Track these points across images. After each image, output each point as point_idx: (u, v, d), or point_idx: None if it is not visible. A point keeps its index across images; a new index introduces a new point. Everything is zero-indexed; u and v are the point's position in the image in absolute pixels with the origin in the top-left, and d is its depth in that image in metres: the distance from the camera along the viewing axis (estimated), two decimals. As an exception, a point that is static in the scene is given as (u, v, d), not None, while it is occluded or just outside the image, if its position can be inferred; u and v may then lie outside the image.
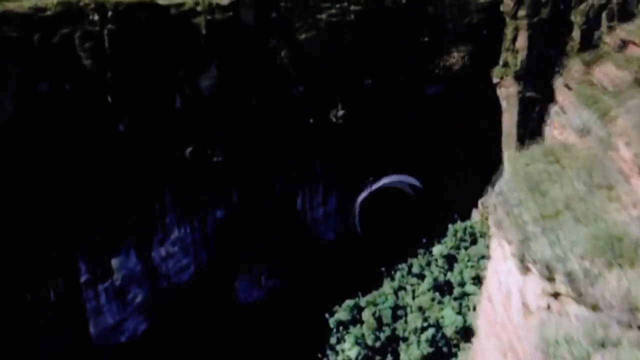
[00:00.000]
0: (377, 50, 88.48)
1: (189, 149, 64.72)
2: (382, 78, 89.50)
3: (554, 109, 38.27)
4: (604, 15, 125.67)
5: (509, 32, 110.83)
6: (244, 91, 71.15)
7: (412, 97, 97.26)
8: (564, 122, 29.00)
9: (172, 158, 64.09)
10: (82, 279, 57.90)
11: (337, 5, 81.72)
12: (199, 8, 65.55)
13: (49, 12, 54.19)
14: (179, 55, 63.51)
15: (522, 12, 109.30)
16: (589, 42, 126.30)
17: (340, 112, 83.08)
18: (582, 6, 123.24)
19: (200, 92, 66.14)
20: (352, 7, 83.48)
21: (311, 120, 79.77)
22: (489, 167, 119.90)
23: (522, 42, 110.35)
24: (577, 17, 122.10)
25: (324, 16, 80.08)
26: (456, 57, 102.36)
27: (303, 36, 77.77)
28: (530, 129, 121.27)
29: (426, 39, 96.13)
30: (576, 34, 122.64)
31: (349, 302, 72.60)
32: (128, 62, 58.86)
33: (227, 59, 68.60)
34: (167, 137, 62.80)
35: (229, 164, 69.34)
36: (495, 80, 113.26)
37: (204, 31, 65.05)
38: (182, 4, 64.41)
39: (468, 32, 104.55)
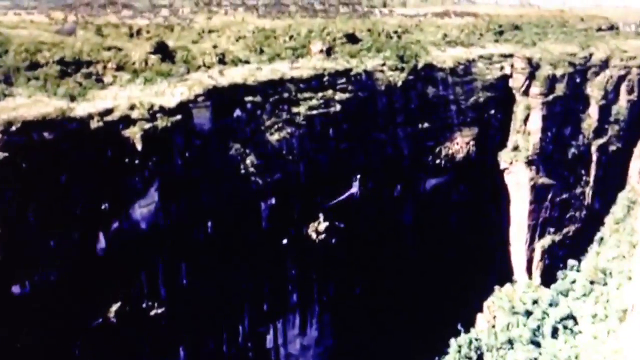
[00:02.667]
0: (366, 146, 72.77)
1: (115, 306, 47.43)
2: (372, 179, 73.50)
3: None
4: (623, 87, 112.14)
5: (519, 111, 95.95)
6: (196, 216, 54.41)
7: (408, 195, 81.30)
8: None
9: (92, 319, 46.70)
10: None
11: (320, 95, 66.04)
12: (134, 114, 49.11)
13: None
14: (103, 181, 46.70)
15: (534, 89, 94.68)
16: (606, 119, 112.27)
17: (322, 225, 66.58)
18: (600, 78, 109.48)
19: (134, 224, 49.16)
20: (338, 96, 67.80)
21: (285, 240, 63.13)
22: (495, 263, 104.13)
23: (535, 123, 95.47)
24: (594, 91, 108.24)
25: (302, 109, 64.33)
26: (460, 143, 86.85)
27: (275, 136, 61.70)
28: (543, 219, 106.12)
29: (425, 125, 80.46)
30: (593, 110, 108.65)
31: None
32: (23, 198, 41.97)
33: (173, 177, 52.06)
34: (82, 294, 45.54)
35: (173, 314, 52.09)
36: (503, 165, 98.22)
37: (139, 146, 48.37)
38: (109, 111, 47.90)
39: (473, 113, 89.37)
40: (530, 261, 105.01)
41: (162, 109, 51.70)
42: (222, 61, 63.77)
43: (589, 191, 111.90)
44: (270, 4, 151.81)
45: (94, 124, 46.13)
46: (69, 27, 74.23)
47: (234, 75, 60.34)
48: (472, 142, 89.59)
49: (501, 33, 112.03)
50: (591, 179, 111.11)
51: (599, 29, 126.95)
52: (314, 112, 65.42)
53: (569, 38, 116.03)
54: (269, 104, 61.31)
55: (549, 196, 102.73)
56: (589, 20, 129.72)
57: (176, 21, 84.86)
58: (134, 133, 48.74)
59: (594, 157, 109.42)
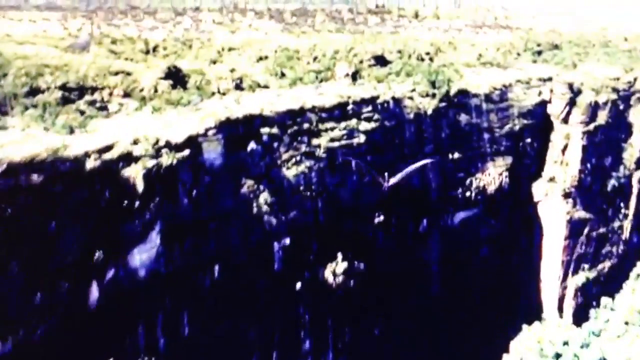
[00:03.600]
0: (392, 182, 67.22)
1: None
2: (396, 214, 68.12)
3: None
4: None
5: (557, 140, 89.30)
6: (202, 260, 49.74)
7: (434, 230, 75.63)
8: None
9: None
10: None
11: (343, 125, 60.84)
12: (137, 150, 44.59)
13: None
14: (98, 226, 42.26)
15: (575, 117, 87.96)
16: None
17: (340, 267, 61.40)
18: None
19: (132, 272, 44.63)
20: (362, 125, 62.54)
21: (299, 284, 58.15)
22: (524, 300, 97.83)
23: (574, 153, 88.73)
24: (637, 118, 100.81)
25: (322, 141, 59.21)
26: (492, 174, 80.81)
27: (292, 171, 56.71)
28: (578, 254, 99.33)
29: (456, 155, 74.66)
30: (636, 139, 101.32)
31: None
32: (6, 248, 37.72)
33: (178, 218, 47.46)
34: (71, 351, 41.17)
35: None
36: (537, 197, 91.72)
37: (140, 187, 43.83)
38: (109, 147, 43.44)
39: (508, 141, 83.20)
40: (562, 299, 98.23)
41: (168, 143, 47.15)
42: (239, 86, 58.99)
43: (627, 225, 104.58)
44: (298, 12, 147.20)
45: (91, 163, 41.69)
46: (83, 42, 70.34)
47: (250, 103, 55.50)
48: (505, 173, 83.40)
49: (539, 53, 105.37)
50: (630, 212, 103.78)
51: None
52: (336, 143, 60.28)
53: (612, 59, 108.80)
54: (287, 136, 56.38)
55: (585, 231, 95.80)
56: (633, 40, 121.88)
57: (196, 35, 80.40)
58: (135, 172, 44.25)
59: (635, 189, 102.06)
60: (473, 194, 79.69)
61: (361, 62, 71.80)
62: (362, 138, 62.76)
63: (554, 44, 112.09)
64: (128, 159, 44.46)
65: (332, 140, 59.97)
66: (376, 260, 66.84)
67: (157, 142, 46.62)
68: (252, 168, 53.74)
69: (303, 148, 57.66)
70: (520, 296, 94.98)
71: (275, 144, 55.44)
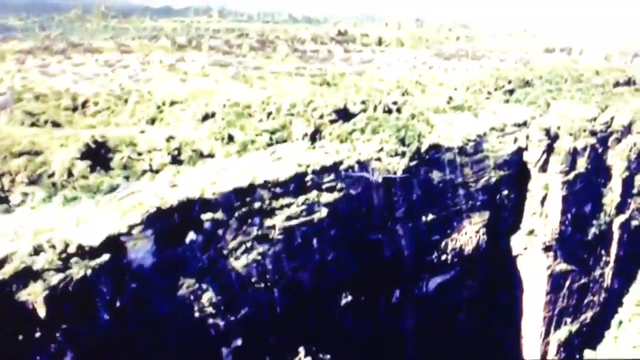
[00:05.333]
0: (358, 252, 59.24)
1: None
2: (364, 290, 59.95)
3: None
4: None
5: (536, 190, 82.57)
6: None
7: (408, 299, 67.72)
8: None
9: None
10: None
11: (301, 199, 52.39)
12: (39, 262, 35.11)
13: None
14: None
15: (554, 166, 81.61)
16: (629, 191, 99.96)
17: (303, 363, 52.60)
18: (622, 146, 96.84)
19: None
20: (324, 197, 54.20)
21: (253, 393, 48.99)
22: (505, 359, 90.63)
23: (554, 204, 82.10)
24: (616, 161, 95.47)
25: (277, 220, 50.59)
26: (469, 233, 73.57)
27: (242, 261, 47.89)
28: (560, 308, 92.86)
29: (430, 216, 67.08)
30: (615, 183, 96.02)
31: None
32: None
33: (97, 340, 38.00)
34: None
35: None
36: (516, 251, 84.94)
37: (42, 312, 34.32)
38: (1, 262, 33.88)
39: (484, 195, 76.19)
40: (544, 356, 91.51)
41: (81, 248, 37.79)
42: (176, 159, 50.00)
43: (608, 272, 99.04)
44: (258, 44, 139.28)
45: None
46: (3, 101, 60.63)
47: (189, 183, 46.57)
48: (482, 230, 76.31)
49: (511, 92, 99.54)
50: (612, 258, 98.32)
51: (617, 84, 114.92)
52: (294, 221, 51.73)
53: (585, 96, 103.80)
54: (234, 220, 47.62)
55: (567, 283, 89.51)
56: (604, 74, 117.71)
57: (135, 87, 71.19)
58: (35, 294, 34.72)
59: (616, 235, 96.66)
60: (449, 257, 72.25)
61: (321, 117, 63.73)
62: (324, 212, 54.47)
63: (525, 80, 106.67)
64: (26, 276, 34.86)
65: (290, 218, 51.48)
66: (344, 347, 58.34)
67: (65, 248, 37.30)
68: (192, 263, 44.74)
69: (254, 232, 49.02)
70: (501, 357, 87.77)
71: (220, 231, 46.62)
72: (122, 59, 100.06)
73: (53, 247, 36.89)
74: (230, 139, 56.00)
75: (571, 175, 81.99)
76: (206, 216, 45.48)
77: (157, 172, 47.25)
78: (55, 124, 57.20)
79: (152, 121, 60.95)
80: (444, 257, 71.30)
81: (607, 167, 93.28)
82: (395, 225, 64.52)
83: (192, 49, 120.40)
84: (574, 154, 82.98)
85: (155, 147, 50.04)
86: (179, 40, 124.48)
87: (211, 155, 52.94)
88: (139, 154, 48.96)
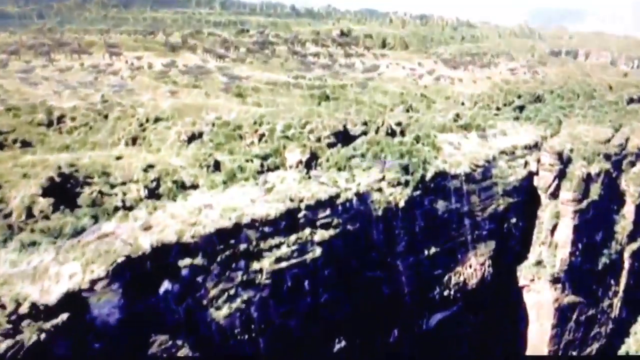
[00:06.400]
0: (354, 292, 54.13)
1: None
2: (360, 333, 54.87)
3: None
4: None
5: (546, 218, 77.39)
6: None
7: (406, 337, 62.69)
8: None
9: None
10: None
11: (293, 239, 47.15)
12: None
13: None
14: None
15: (566, 194, 76.44)
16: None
17: (289, 420, 47.47)
18: (636, 169, 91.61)
19: None
20: (318, 236, 48.99)
21: None
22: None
23: (564, 234, 76.96)
24: (629, 186, 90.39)
25: (265, 264, 45.39)
26: (474, 266, 68.42)
27: (224, 311, 42.72)
28: (566, 342, 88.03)
29: (432, 250, 61.96)
30: (628, 209, 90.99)
31: None
32: None
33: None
34: None
35: None
36: (522, 282, 79.95)
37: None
38: None
39: (491, 224, 71.03)
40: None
41: (35, 308, 32.57)
42: (154, 193, 44.69)
43: (617, 302, 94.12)
44: (256, 45, 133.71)
45: None
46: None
47: (166, 223, 41.29)
48: (488, 262, 71.24)
49: (521, 108, 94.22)
50: (621, 288, 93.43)
51: (630, 100, 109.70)
52: (283, 264, 46.53)
53: (599, 114, 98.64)
54: (216, 264, 42.33)
55: (574, 316, 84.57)
56: (618, 89, 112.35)
57: (118, 99, 65.80)
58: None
59: (626, 265, 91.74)
60: (452, 292, 67.20)
61: (319, 139, 58.43)
62: (317, 251, 49.30)
63: (536, 95, 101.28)
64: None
65: (279, 260, 46.32)
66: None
67: (17, 307, 32.04)
68: (166, 316, 39.59)
69: (239, 277, 43.84)
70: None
71: (200, 278, 41.43)
72: (111, 62, 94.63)
73: (2, 307, 31.68)
74: (217, 166, 50.66)
75: (584, 204, 76.86)
76: (184, 262, 40.30)
77: (130, 208, 41.92)
78: (26, 143, 51.92)
79: (134, 141, 55.62)
80: (446, 292, 66.30)
81: (620, 193, 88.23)
82: (396, 261, 59.45)
83: (186, 49, 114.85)
84: (588, 181, 77.88)
85: (131, 177, 44.65)
86: (173, 40, 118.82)
87: (194, 187, 47.59)
88: (112, 187, 43.67)
